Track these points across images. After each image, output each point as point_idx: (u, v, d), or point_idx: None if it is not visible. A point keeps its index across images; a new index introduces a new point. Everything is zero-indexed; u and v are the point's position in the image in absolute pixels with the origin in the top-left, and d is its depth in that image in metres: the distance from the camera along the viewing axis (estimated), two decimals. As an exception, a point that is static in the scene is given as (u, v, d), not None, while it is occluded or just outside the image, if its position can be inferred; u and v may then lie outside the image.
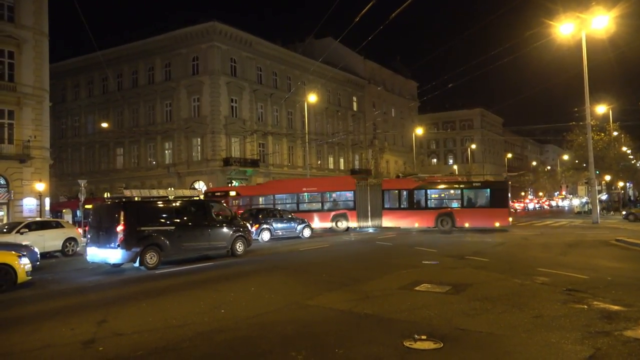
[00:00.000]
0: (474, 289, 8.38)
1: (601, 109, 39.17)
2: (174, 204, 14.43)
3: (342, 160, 56.08)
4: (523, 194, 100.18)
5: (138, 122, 44.66)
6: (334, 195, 27.05)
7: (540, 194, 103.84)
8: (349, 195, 26.43)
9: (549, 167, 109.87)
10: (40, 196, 26.87)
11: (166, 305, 7.86)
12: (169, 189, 31.78)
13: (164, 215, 13.73)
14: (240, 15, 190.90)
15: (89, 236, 13.78)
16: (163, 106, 43.36)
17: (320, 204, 26.82)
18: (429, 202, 25.27)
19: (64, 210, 33.12)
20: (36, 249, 13.49)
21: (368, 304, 7.42)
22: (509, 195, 24.45)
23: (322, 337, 5.81)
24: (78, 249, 18.52)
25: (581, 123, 33.61)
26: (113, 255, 12.47)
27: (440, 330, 5.82)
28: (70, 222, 26.09)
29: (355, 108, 59.20)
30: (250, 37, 43.39)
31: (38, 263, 13.25)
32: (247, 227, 16.49)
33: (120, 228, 12.35)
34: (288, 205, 26.53)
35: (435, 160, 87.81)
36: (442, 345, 5.25)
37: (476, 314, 6.60)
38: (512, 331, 5.75)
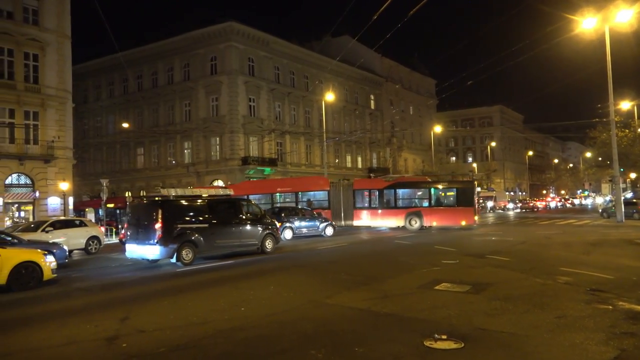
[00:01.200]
0: (495, 288, 8.27)
1: (625, 105, 38.21)
2: (207, 202, 14.73)
3: (359, 158, 55.95)
4: (545, 192, 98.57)
5: (158, 122, 45.29)
6: (308, 195, 26.96)
7: (563, 192, 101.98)
8: (324, 195, 26.47)
9: (571, 165, 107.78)
10: (64, 195, 27.49)
11: (187, 303, 7.97)
12: (188, 187, 32.01)
13: (198, 213, 14.13)
14: (257, 14, 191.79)
15: (127, 233, 14.37)
16: (182, 106, 43.88)
17: (294, 205, 26.04)
18: (398, 201, 25.58)
19: (86, 209, 33.81)
20: (65, 247, 14.30)
21: (387, 303, 7.40)
22: (475, 194, 25.36)
23: (341, 336, 5.82)
24: (101, 247, 18.88)
25: (605, 119, 32.81)
26: (152, 251, 12.96)
27: (461, 330, 5.76)
28: (93, 220, 26.62)
29: (372, 106, 58.96)
30: (268, 36, 43.58)
31: (66, 260, 13.96)
32: (275, 225, 16.85)
33: (158, 225, 12.79)
34: (262, 207, 24.42)
35: (454, 158, 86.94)
36: (463, 345, 5.20)
37: (497, 314, 6.52)
38: (534, 331, 5.67)
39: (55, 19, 28.11)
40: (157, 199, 14.29)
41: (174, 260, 13.10)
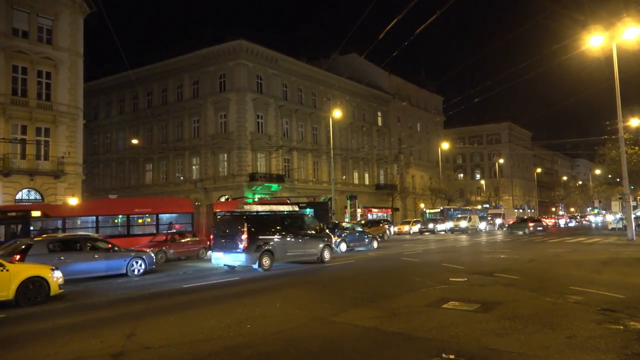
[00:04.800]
0: (504, 307, 8.16)
1: (635, 122, 38.01)
2: (280, 217, 16.92)
3: (367, 175, 55.95)
4: (554, 209, 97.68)
5: (167, 139, 45.74)
6: (171, 217, 24.60)
7: (572, 209, 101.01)
8: (187, 217, 24.58)
9: (580, 182, 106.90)
10: (73, 211, 27.64)
11: (193, 319, 7.94)
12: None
13: (274, 226, 16.16)
14: (266, 32, 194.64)
15: (214, 243, 16.06)
16: (191, 122, 44.33)
17: (155, 227, 23.40)
18: None
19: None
20: (152, 254, 15.88)
21: (394, 321, 7.32)
22: (330, 213, 26.89)
23: (347, 354, 5.75)
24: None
25: (614, 137, 32.64)
26: (237, 258, 14.97)
27: (469, 350, 5.68)
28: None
29: (380, 123, 59.17)
30: (276, 54, 44.12)
31: (153, 266, 15.61)
32: (331, 238, 18.68)
33: (244, 236, 14.77)
34: (120, 229, 22.77)
35: (461, 175, 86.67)
36: (471, 365, 5.12)
37: (506, 334, 6.42)
38: (544, 352, 5.56)
39: (68, 38, 28.73)
40: (243, 213, 16.12)
41: (256, 266, 14.89)
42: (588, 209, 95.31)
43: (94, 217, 21.84)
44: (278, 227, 16.18)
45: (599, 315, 7.37)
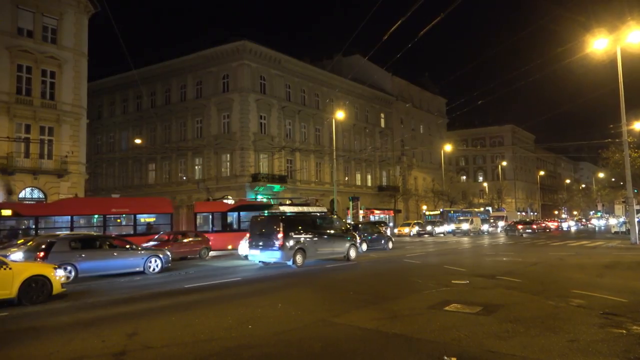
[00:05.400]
0: (506, 310, 8.14)
1: (639, 125, 37.87)
2: (311, 217, 18.40)
3: (369, 176, 55.92)
4: (556, 212, 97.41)
5: (170, 139, 45.83)
6: (149, 217, 24.32)
7: (575, 212, 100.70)
8: (166, 218, 24.17)
9: (583, 185, 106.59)
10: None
11: (195, 320, 7.94)
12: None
13: (306, 226, 17.31)
14: (270, 33, 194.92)
15: (251, 241, 17.13)
16: (194, 123, 44.42)
17: (132, 227, 23.11)
18: (242, 224, 25.07)
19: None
20: (168, 253, 16.22)
21: (396, 323, 7.31)
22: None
23: (349, 356, 5.75)
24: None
25: (617, 140, 32.54)
26: (273, 255, 16.13)
27: (471, 352, 5.67)
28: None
29: (383, 124, 59.15)
30: (280, 55, 44.17)
31: (169, 265, 15.96)
32: (356, 238, 19.79)
33: (280, 235, 15.93)
34: (95, 229, 21.77)
35: (464, 177, 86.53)
36: (472, 367, 5.11)
37: (508, 336, 6.40)
38: (546, 355, 5.55)
39: (72, 37, 28.84)
40: (279, 213, 17.63)
41: (290, 263, 16.05)
42: (591, 213, 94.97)
43: (69, 217, 21.21)
44: (309, 227, 17.38)
45: (601, 319, 7.34)
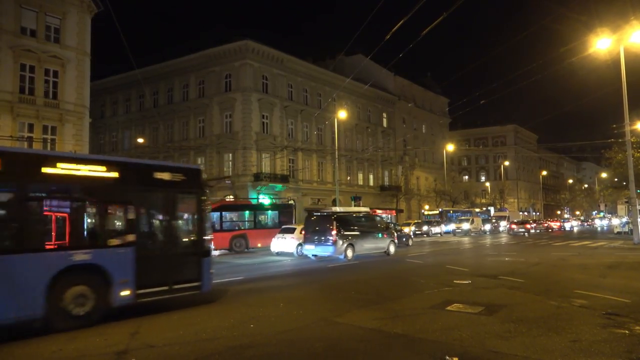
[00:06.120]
0: (508, 310, 8.13)
1: (642, 125, 37.72)
2: (357, 216, 20.73)
3: (371, 176, 55.89)
4: (559, 212, 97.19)
5: (172, 138, 45.89)
6: None
7: (578, 212, 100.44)
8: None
9: (586, 185, 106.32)
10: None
11: (196, 318, 7.96)
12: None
13: (354, 224, 19.31)
14: (272, 33, 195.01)
15: (305, 238, 19.14)
16: (196, 122, 44.46)
17: None
18: (223, 224, 25.25)
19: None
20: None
21: (398, 323, 7.31)
22: (294, 215, 28.31)
23: (351, 356, 5.76)
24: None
25: (620, 140, 32.42)
26: (326, 250, 18.09)
27: (473, 352, 5.66)
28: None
29: (385, 124, 59.10)
30: (282, 54, 44.17)
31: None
32: (394, 235, 21.69)
33: (333, 232, 17.90)
34: None
35: (467, 177, 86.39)
36: (474, 367, 5.10)
37: (510, 337, 6.40)
38: (548, 355, 5.55)
39: (75, 37, 28.88)
40: (331, 213, 19.51)
41: (342, 257, 17.92)
42: (594, 213, 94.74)
43: None
44: (356, 225, 19.37)
45: (604, 319, 7.34)
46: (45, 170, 7.46)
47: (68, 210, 8.15)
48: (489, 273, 13.28)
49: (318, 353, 5.90)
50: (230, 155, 41.89)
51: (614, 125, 36.52)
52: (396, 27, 13.54)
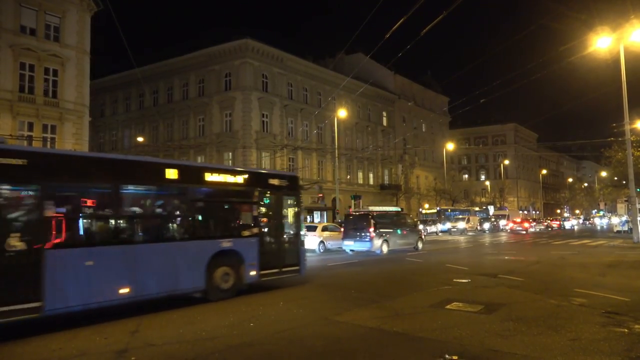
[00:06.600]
0: (508, 309, 8.14)
1: (642, 124, 37.70)
2: (391, 215, 23.27)
3: (371, 175, 55.88)
4: (559, 211, 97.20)
5: (172, 137, 45.86)
6: None
7: (577, 211, 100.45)
8: None
9: (586, 184, 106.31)
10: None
11: (196, 317, 7.97)
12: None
13: (387, 222, 21.51)
14: (272, 32, 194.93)
15: (345, 234, 21.40)
16: (196, 121, 44.45)
17: None
18: None
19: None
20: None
21: (398, 322, 7.32)
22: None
23: (351, 354, 5.77)
24: None
25: (620, 139, 32.44)
26: (364, 245, 20.22)
27: (472, 351, 5.67)
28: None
29: (385, 123, 59.08)
30: (282, 53, 44.14)
31: None
32: (422, 232, 24.72)
33: (371, 230, 20.02)
34: None
35: (466, 175, 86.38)
36: (474, 366, 5.11)
37: (510, 335, 6.41)
38: (548, 354, 5.56)
39: (75, 35, 28.84)
40: (369, 212, 22.68)
41: (378, 251, 19.97)
42: (593, 212, 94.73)
43: None
44: (390, 223, 21.57)
45: (603, 318, 7.35)
46: (207, 178, 9.82)
47: (217, 208, 10.53)
48: (489, 272, 13.30)
49: (318, 352, 5.91)
50: (230, 154, 41.89)
51: (614, 124, 36.51)
52: (396, 26, 13.54)
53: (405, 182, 59.04)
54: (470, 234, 42.50)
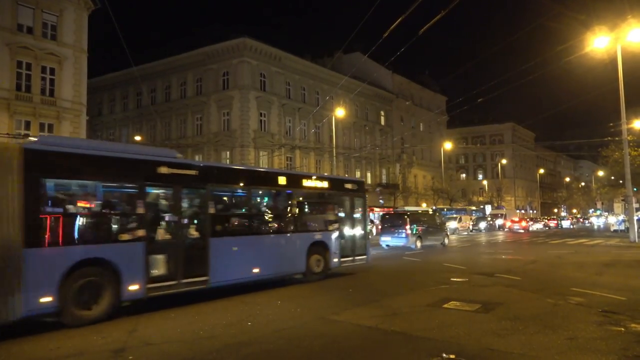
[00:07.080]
0: (505, 308, 8.17)
1: (639, 124, 37.83)
2: (421, 213, 26.78)
3: (369, 174, 55.89)
4: (556, 210, 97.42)
5: (170, 136, 45.78)
6: None
7: (575, 210, 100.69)
8: None
9: (583, 184, 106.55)
10: (75, 207, 27.74)
11: (194, 316, 7.97)
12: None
13: (419, 219, 23.77)
14: (270, 30, 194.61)
15: (382, 230, 23.88)
16: (194, 120, 44.38)
17: None
18: None
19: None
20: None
21: (395, 321, 7.34)
22: None
23: (348, 354, 5.77)
24: None
25: (617, 138, 32.54)
26: (400, 241, 22.39)
27: (470, 350, 5.69)
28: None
29: (383, 122, 59.10)
30: (280, 52, 44.10)
31: None
32: (447, 229, 27.40)
33: (407, 227, 22.21)
34: None
35: (464, 175, 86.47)
36: (471, 365, 5.13)
37: (507, 334, 6.43)
38: (545, 353, 5.58)
39: (72, 34, 28.76)
40: (404, 211, 26.26)
41: (413, 246, 22.06)
42: (590, 211, 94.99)
43: None
44: (422, 221, 23.71)
45: (600, 317, 7.38)
46: (304, 183, 12.37)
47: (312, 207, 12.93)
48: (486, 271, 13.33)
49: (315, 351, 5.92)
50: (228, 153, 41.85)
51: (611, 124, 36.59)
52: (394, 25, 13.51)
53: (403, 182, 59.06)
54: (463, 234, 42.28)
